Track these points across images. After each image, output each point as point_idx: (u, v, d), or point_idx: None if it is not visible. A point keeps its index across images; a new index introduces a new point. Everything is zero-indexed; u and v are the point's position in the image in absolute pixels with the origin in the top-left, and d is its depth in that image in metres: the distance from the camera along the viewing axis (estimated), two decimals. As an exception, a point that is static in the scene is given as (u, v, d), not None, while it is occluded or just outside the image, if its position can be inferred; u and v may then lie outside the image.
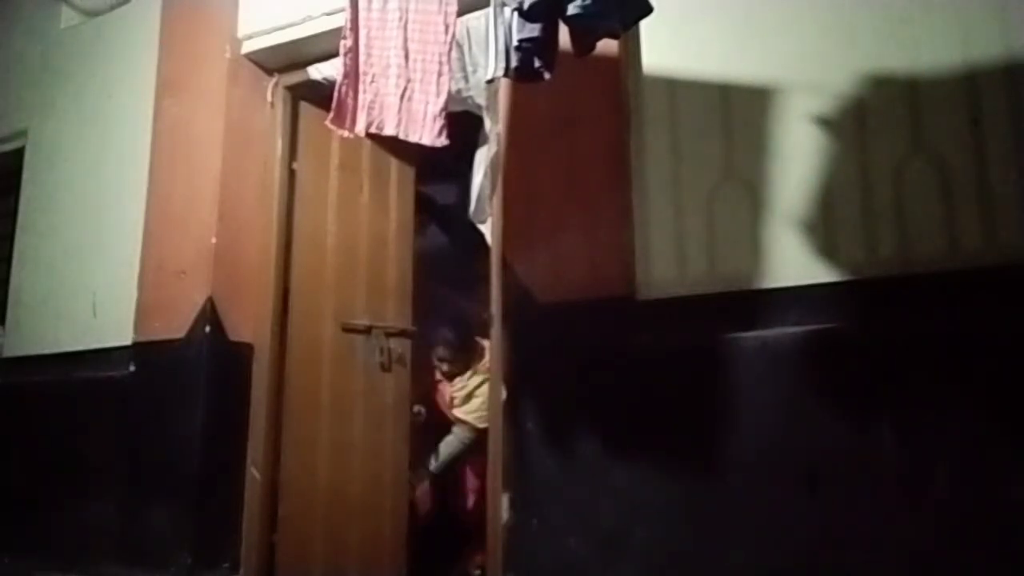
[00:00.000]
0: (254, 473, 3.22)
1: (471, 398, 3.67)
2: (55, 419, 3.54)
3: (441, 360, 3.68)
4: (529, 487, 2.51)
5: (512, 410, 2.60)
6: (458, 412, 3.70)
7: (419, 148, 2.63)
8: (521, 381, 2.62)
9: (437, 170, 4.71)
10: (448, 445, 3.69)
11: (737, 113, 2.44)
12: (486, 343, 3.44)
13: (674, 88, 2.54)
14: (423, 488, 3.65)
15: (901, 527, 2.03)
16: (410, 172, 3.81)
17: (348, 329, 3.47)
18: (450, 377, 3.76)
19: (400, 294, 3.68)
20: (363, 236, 3.60)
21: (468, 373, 3.70)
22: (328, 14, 3.19)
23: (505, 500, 2.58)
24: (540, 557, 2.46)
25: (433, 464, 3.68)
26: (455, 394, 3.73)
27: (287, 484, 3.25)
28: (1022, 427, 1.96)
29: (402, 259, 3.72)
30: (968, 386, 2.03)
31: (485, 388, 3.38)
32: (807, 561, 2.12)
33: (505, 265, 2.69)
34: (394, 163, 3.75)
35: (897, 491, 2.05)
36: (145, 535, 3.14)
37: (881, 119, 2.26)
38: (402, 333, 3.63)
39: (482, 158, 3.10)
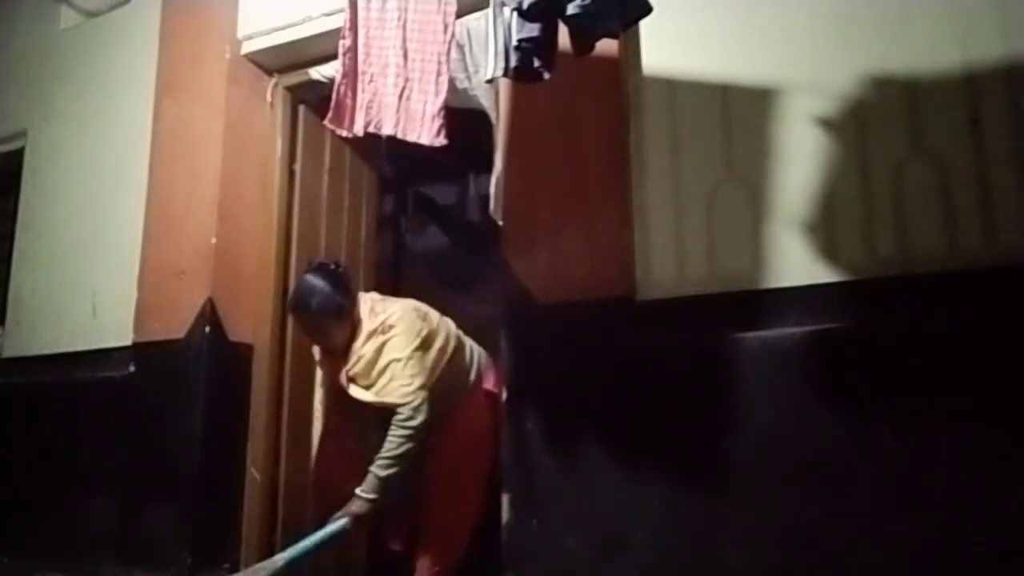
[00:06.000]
0: (254, 473, 3.22)
1: (380, 372, 2.55)
2: (55, 419, 3.55)
3: (318, 329, 2.66)
4: (529, 487, 2.51)
5: (512, 410, 2.59)
6: (365, 396, 2.59)
7: (391, 155, 2.59)
8: (521, 381, 2.62)
9: (437, 170, 4.71)
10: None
11: (737, 113, 2.43)
12: (364, 296, 2.74)
13: (674, 88, 2.54)
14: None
15: (901, 527, 2.03)
16: (375, 180, 3.92)
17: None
18: (333, 354, 2.72)
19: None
20: (344, 242, 3.65)
21: (362, 339, 2.60)
22: (328, 14, 3.19)
23: (505, 500, 2.57)
24: (540, 557, 2.46)
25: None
26: (351, 373, 2.61)
27: (287, 484, 3.26)
28: (1022, 427, 1.96)
29: (370, 267, 3.81)
30: (968, 386, 2.02)
31: (398, 350, 2.54)
32: (807, 561, 2.12)
33: (505, 265, 2.68)
34: (366, 171, 3.82)
35: (897, 491, 2.05)
36: (145, 535, 3.14)
37: (881, 119, 2.25)
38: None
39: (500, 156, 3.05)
